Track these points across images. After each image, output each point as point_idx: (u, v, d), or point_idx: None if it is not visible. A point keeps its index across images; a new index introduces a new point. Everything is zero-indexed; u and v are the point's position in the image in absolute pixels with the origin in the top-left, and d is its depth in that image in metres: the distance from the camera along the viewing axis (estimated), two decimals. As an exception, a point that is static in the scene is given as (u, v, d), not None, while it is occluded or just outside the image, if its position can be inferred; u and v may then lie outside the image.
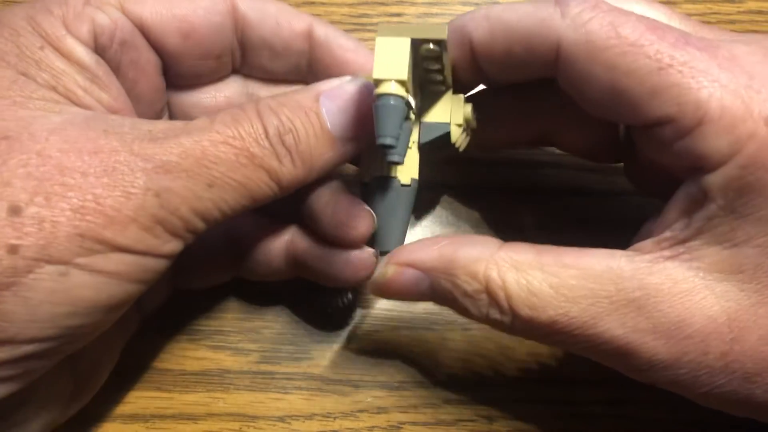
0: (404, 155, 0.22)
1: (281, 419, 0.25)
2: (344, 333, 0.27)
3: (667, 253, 0.19)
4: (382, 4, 0.32)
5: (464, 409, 0.26)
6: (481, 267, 0.20)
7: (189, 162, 0.19)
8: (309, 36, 0.23)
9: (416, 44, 0.20)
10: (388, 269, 0.21)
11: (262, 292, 0.27)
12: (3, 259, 0.17)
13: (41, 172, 0.17)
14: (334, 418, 0.25)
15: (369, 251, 0.23)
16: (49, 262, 0.17)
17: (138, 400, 0.25)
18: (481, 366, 0.26)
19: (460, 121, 0.23)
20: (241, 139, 0.19)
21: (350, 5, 0.32)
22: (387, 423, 0.25)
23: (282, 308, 0.27)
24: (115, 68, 0.22)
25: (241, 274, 0.25)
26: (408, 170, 0.23)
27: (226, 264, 0.25)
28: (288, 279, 0.25)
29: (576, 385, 0.26)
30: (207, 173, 0.19)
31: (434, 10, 0.32)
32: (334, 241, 0.23)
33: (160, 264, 0.19)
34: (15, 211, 0.17)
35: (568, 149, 0.25)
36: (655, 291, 0.18)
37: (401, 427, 0.25)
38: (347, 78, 0.21)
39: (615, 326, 0.19)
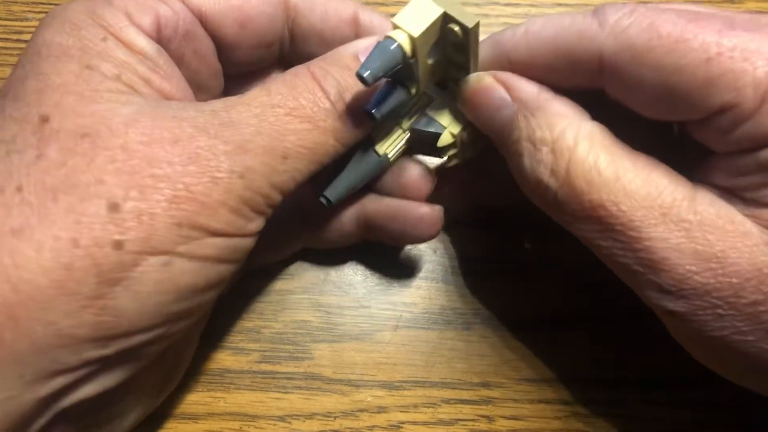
0: (379, 109, 0.21)
1: (282, 419, 0.25)
2: (345, 333, 0.27)
3: (735, 199, 0.19)
4: (383, 4, 0.32)
5: (464, 408, 0.26)
6: (563, 122, 0.20)
7: (263, 138, 0.19)
8: (355, 22, 0.24)
9: (446, 20, 0.20)
10: (485, 78, 0.21)
11: (263, 291, 0.27)
12: (110, 255, 0.17)
13: (130, 166, 0.17)
14: (335, 418, 0.25)
15: (438, 208, 0.24)
16: (153, 253, 0.17)
17: (139, 399, 0.26)
18: (481, 366, 0.26)
19: (456, 131, 0.23)
20: (302, 107, 0.20)
21: (350, 6, 0.32)
22: (387, 422, 0.25)
23: (282, 308, 0.27)
24: (178, 59, 0.22)
25: (310, 244, 0.26)
26: (385, 144, 0.23)
27: (297, 234, 0.26)
28: (352, 245, 0.26)
29: (576, 385, 0.26)
30: (280, 146, 0.19)
31: (434, 10, 0.32)
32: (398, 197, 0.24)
33: (247, 242, 0.20)
34: (114, 207, 0.17)
35: None
36: (711, 221, 0.18)
37: (401, 427, 0.25)
38: (376, 37, 0.22)
39: (658, 236, 0.18)
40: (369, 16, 0.24)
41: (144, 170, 0.18)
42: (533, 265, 0.28)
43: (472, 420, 0.26)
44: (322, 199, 0.23)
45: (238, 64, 0.24)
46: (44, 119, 0.18)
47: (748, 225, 0.18)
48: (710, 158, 0.19)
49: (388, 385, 0.26)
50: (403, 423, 0.25)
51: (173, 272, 0.18)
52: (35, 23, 0.31)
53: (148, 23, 0.20)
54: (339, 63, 0.21)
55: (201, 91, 0.23)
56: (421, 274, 0.28)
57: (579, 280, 0.28)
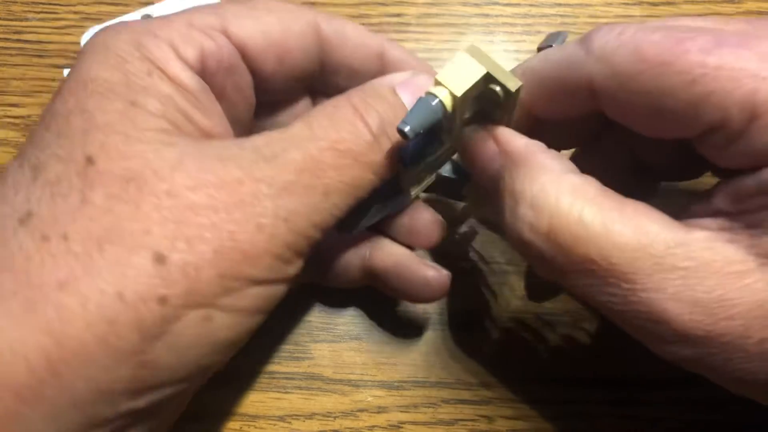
0: (415, 159, 0.21)
1: (282, 419, 0.25)
2: (345, 333, 0.27)
3: (726, 235, 0.18)
4: (382, 4, 0.32)
5: (464, 408, 0.26)
6: (545, 176, 0.19)
7: (305, 177, 0.19)
8: (382, 56, 0.24)
9: (488, 80, 0.20)
10: (478, 132, 0.21)
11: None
12: (154, 310, 0.16)
13: (176, 214, 0.17)
14: (335, 418, 0.25)
15: (445, 274, 0.24)
16: (195, 307, 0.17)
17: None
18: (481, 366, 0.26)
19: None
20: (345, 140, 0.19)
21: (350, 6, 0.32)
22: (387, 422, 0.25)
23: (283, 308, 0.27)
24: (218, 93, 0.21)
25: (314, 279, 0.26)
26: (412, 183, 0.23)
27: (309, 271, 0.25)
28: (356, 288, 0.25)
29: (576, 385, 0.26)
30: (321, 183, 0.19)
31: (433, 10, 0.32)
32: (405, 244, 0.24)
33: (285, 288, 0.19)
34: (160, 259, 0.17)
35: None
36: (705, 265, 0.18)
37: (401, 427, 0.25)
38: (411, 71, 0.22)
39: (654, 287, 0.18)
40: (395, 52, 0.24)
41: (190, 219, 0.17)
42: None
43: (472, 420, 0.26)
44: (343, 228, 0.22)
45: (271, 95, 0.24)
46: (89, 161, 0.18)
47: (748, 262, 0.18)
48: (717, 184, 0.19)
49: (388, 385, 0.26)
50: (403, 423, 0.25)
51: (213, 327, 0.18)
52: (35, 23, 0.31)
53: (193, 57, 0.20)
54: (379, 96, 0.20)
55: (234, 122, 0.23)
56: (421, 274, 0.28)
57: (579, 280, 0.28)
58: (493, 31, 0.31)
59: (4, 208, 0.18)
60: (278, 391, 0.26)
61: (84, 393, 0.16)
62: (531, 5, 0.32)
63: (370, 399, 0.26)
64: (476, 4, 0.32)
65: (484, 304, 0.27)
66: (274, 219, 0.18)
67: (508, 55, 0.31)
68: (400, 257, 0.24)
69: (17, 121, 0.30)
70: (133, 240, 0.17)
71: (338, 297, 0.27)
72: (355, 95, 0.20)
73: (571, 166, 0.20)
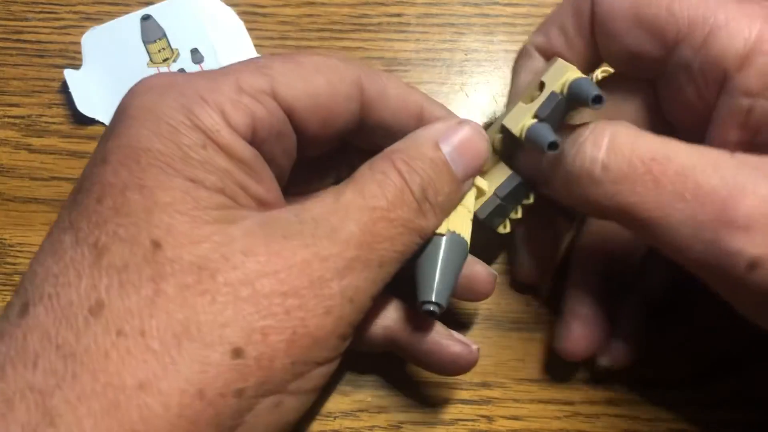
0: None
1: (281, 419, 0.25)
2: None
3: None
4: (383, 4, 0.32)
5: (464, 408, 0.26)
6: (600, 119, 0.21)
7: (364, 251, 0.19)
8: (421, 116, 0.23)
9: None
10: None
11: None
12: (231, 404, 0.17)
13: (251, 304, 0.17)
14: (335, 418, 0.25)
15: (475, 350, 0.23)
16: (267, 395, 0.17)
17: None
18: (481, 366, 0.26)
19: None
20: (394, 208, 0.19)
21: (350, 6, 0.32)
22: (387, 422, 0.25)
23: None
24: (269, 159, 0.21)
25: None
26: (453, 224, 0.22)
27: None
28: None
29: (576, 385, 0.26)
30: (377, 255, 0.19)
31: (434, 10, 0.32)
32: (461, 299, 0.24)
33: (337, 363, 0.20)
34: (237, 353, 0.17)
35: None
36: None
37: (401, 427, 0.25)
38: (452, 121, 0.22)
39: (718, 179, 0.18)
40: (435, 111, 0.24)
41: (264, 308, 0.17)
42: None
43: (472, 420, 0.26)
44: (431, 307, 0.20)
45: (310, 151, 0.23)
46: (156, 245, 0.17)
47: None
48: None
49: (388, 385, 0.26)
50: (403, 423, 0.25)
51: (283, 410, 0.18)
52: (35, 23, 0.31)
53: (245, 125, 0.19)
54: (421, 156, 0.21)
55: (278, 180, 0.22)
56: (421, 274, 0.28)
57: (579, 280, 0.28)
58: (493, 31, 0.31)
59: (71, 294, 0.17)
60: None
61: None
62: (531, 5, 0.32)
63: (370, 399, 0.26)
64: (476, 4, 0.32)
65: (484, 304, 0.27)
66: (341, 300, 0.18)
67: (507, 55, 0.31)
68: (428, 330, 0.23)
69: (17, 121, 0.30)
70: (211, 334, 0.17)
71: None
72: (398, 157, 0.20)
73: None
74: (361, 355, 0.26)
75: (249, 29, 0.30)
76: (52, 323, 0.16)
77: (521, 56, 0.25)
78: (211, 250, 0.17)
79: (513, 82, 0.26)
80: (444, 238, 0.21)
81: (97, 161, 0.19)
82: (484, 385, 0.26)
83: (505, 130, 0.24)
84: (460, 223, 0.22)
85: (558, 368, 0.26)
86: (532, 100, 0.23)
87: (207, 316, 0.17)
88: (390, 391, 0.26)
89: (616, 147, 0.19)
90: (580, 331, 0.24)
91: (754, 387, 0.26)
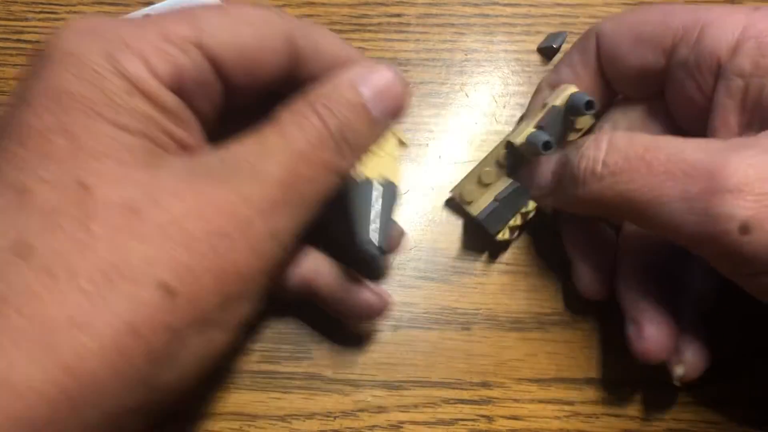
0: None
1: (282, 419, 0.25)
2: (345, 333, 0.27)
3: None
4: (383, 4, 0.32)
5: (464, 408, 0.26)
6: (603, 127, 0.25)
7: (288, 192, 0.19)
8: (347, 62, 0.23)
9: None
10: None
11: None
12: (162, 339, 0.17)
13: (179, 243, 0.17)
14: (335, 418, 0.25)
15: (385, 297, 0.24)
16: (198, 331, 0.18)
17: (139, 399, 0.26)
18: (481, 366, 0.26)
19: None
20: (314, 150, 0.20)
21: (350, 6, 0.32)
22: (387, 422, 0.25)
23: (282, 308, 0.27)
24: (195, 109, 0.21)
25: None
26: (383, 170, 0.23)
27: None
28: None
29: (576, 385, 0.26)
30: (300, 196, 0.20)
31: (434, 10, 0.32)
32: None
33: (263, 299, 0.20)
34: (168, 291, 0.17)
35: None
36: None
37: (401, 427, 0.25)
38: (371, 65, 0.22)
39: (722, 157, 0.19)
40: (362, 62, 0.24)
41: (193, 247, 0.18)
42: (533, 265, 0.28)
43: (472, 420, 0.26)
44: (372, 249, 0.22)
45: (237, 101, 0.23)
46: (84, 187, 0.17)
47: None
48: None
49: (389, 385, 0.26)
50: (403, 423, 0.26)
51: (213, 345, 0.19)
52: (35, 23, 0.31)
53: (168, 74, 0.19)
54: (339, 98, 0.21)
55: (204, 128, 0.23)
56: (421, 274, 0.28)
57: (579, 280, 0.28)
58: (493, 31, 0.31)
59: None
60: (278, 391, 0.26)
61: (96, 420, 0.17)
62: (531, 5, 0.32)
63: (370, 399, 0.26)
64: (476, 4, 0.32)
65: (484, 304, 0.27)
66: (267, 239, 0.19)
67: (507, 55, 0.31)
68: (343, 279, 0.24)
69: (17, 121, 0.30)
70: (141, 273, 0.17)
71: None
72: (318, 101, 0.21)
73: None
74: (360, 356, 0.26)
75: (249, 29, 0.30)
76: None
77: (534, 92, 0.28)
78: (139, 191, 0.18)
79: (524, 114, 0.28)
80: (377, 182, 0.22)
81: (19, 104, 0.18)
82: (484, 385, 0.26)
83: (509, 145, 0.26)
84: (389, 168, 0.23)
85: (558, 368, 0.26)
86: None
87: (137, 256, 0.17)
88: (390, 391, 0.26)
89: (614, 146, 0.21)
90: (654, 330, 0.24)
91: (754, 387, 0.26)
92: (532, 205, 0.26)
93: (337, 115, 0.20)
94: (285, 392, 0.26)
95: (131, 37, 0.19)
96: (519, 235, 0.28)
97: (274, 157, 0.19)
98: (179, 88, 0.20)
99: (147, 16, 0.29)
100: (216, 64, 0.21)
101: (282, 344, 0.27)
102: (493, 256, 0.28)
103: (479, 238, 0.28)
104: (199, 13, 0.21)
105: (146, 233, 0.17)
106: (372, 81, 0.21)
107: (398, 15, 0.32)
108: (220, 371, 0.26)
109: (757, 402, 0.26)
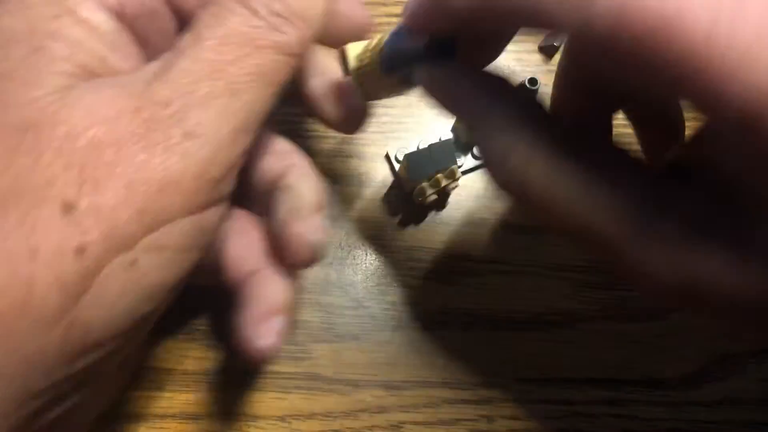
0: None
1: (282, 419, 0.25)
2: (345, 333, 0.27)
3: None
4: (383, 4, 0.32)
5: (464, 408, 0.26)
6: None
7: (204, 84, 0.17)
8: None
9: None
10: (442, 73, 0.20)
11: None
12: (72, 263, 0.15)
13: (78, 157, 0.16)
14: (335, 418, 0.25)
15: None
16: (116, 253, 0.16)
17: (139, 400, 0.26)
18: (481, 366, 0.26)
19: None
20: (235, 31, 0.18)
21: (350, 6, 0.32)
22: (387, 422, 0.25)
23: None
24: (142, 38, 0.20)
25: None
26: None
27: None
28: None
29: (576, 385, 0.26)
30: (223, 84, 0.17)
31: (434, 10, 0.32)
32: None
33: (215, 216, 0.18)
34: (68, 208, 0.15)
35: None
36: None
37: (401, 427, 0.25)
38: None
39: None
40: None
41: (94, 159, 0.16)
42: (533, 265, 0.28)
43: (472, 420, 0.26)
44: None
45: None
46: None
47: None
48: None
49: (389, 385, 0.26)
50: (403, 423, 0.26)
51: (139, 271, 0.16)
52: (35, 23, 0.31)
53: (112, 1, 0.18)
54: None
55: None
56: (421, 274, 0.28)
57: (580, 280, 0.28)
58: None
59: None
60: (278, 391, 0.26)
61: (9, 366, 0.15)
62: (531, 5, 0.32)
63: (370, 399, 0.26)
64: (476, 4, 0.32)
65: (484, 304, 0.27)
66: (181, 138, 0.16)
67: (507, 55, 0.31)
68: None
69: (17, 121, 0.30)
70: (37, 193, 0.15)
71: (338, 297, 0.27)
72: None
73: (538, 107, 0.18)
74: (360, 356, 0.26)
75: (249, 29, 0.30)
76: None
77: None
78: (39, 110, 0.16)
79: None
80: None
81: None
82: (484, 385, 0.26)
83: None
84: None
85: (558, 368, 0.26)
86: None
87: (32, 175, 0.16)
88: (390, 391, 0.26)
89: None
90: None
91: (754, 387, 0.26)
92: (459, 172, 0.26)
93: None
94: (285, 392, 0.26)
95: None
96: (436, 201, 0.28)
97: (185, 54, 0.17)
98: (124, 16, 0.19)
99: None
100: None
101: (282, 344, 0.27)
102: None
103: (479, 238, 0.28)
104: None
105: (42, 150, 0.16)
106: None
107: (398, 15, 0.32)
108: (220, 371, 0.26)
109: (757, 402, 0.26)
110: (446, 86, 0.20)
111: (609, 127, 0.21)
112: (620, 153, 0.18)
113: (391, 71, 0.21)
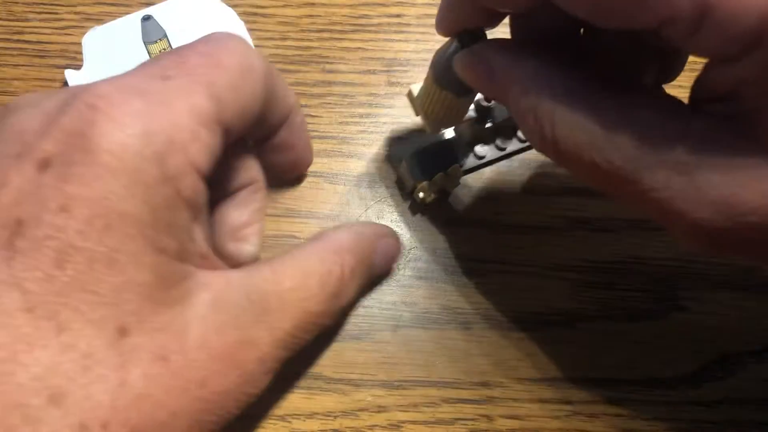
0: None
1: (282, 418, 0.25)
2: (345, 333, 0.27)
3: (729, 123, 0.16)
4: (382, 5, 0.32)
5: (464, 408, 0.26)
6: (538, 89, 0.19)
7: (289, 344, 0.21)
8: (289, 119, 0.24)
9: None
10: (465, 57, 0.21)
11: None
12: None
13: (198, 399, 0.18)
14: (335, 417, 0.25)
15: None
16: None
17: (139, 399, 0.26)
18: (481, 365, 0.26)
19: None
20: (327, 313, 0.22)
21: (350, 6, 0.32)
22: (387, 422, 0.25)
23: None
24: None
25: None
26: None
27: None
28: None
29: (576, 385, 0.26)
30: (295, 345, 0.21)
31: (433, 11, 0.31)
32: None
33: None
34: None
35: None
36: (708, 159, 0.16)
37: (401, 426, 0.25)
38: (387, 232, 0.27)
39: (661, 186, 0.17)
40: (297, 119, 0.25)
41: (203, 402, 0.18)
42: (533, 265, 0.28)
43: (472, 419, 0.26)
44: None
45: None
46: (123, 332, 0.16)
47: (755, 155, 0.16)
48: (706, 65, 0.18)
49: (389, 385, 0.26)
50: (403, 422, 0.26)
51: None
52: (36, 23, 0.31)
53: (206, 166, 0.18)
54: (366, 262, 0.24)
55: None
56: (421, 274, 0.28)
57: (580, 280, 0.28)
58: (492, 31, 0.31)
59: (22, 376, 0.15)
60: (278, 391, 0.26)
61: None
62: (531, 6, 0.32)
63: (370, 398, 0.26)
64: (476, 5, 0.32)
65: (484, 304, 0.27)
66: (262, 375, 0.20)
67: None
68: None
69: (18, 121, 0.30)
70: (161, 430, 0.17)
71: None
72: (347, 261, 0.22)
73: (558, 65, 0.19)
74: (360, 356, 0.26)
75: (249, 30, 0.31)
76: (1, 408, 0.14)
77: None
78: (170, 339, 0.17)
79: None
80: None
81: (49, 202, 0.16)
82: (484, 384, 0.26)
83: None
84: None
85: (558, 368, 0.26)
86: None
87: (162, 410, 0.17)
88: (390, 390, 0.26)
89: (561, 148, 0.19)
90: None
91: (754, 387, 0.26)
92: (460, 173, 0.27)
93: (359, 279, 0.23)
94: (285, 392, 0.26)
95: (171, 127, 0.17)
96: (437, 201, 0.28)
97: (289, 310, 0.20)
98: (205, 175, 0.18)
99: (147, 16, 0.30)
100: (226, 134, 0.19)
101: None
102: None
103: (479, 238, 0.28)
104: (206, 74, 0.18)
105: (173, 386, 0.17)
106: (388, 252, 0.26)
107: (398, 15, 0.32)
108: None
109: (757, 402, 0.26)
110: (475, 65, 0.21)
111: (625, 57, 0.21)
112: (639, 92, 0.18)
113: (441, 80, 0.23)
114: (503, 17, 0.22)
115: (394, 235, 0.27)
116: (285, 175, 0.28)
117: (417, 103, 0.25)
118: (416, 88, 0.25)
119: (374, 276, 0.26)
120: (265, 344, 0.19)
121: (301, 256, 0.22)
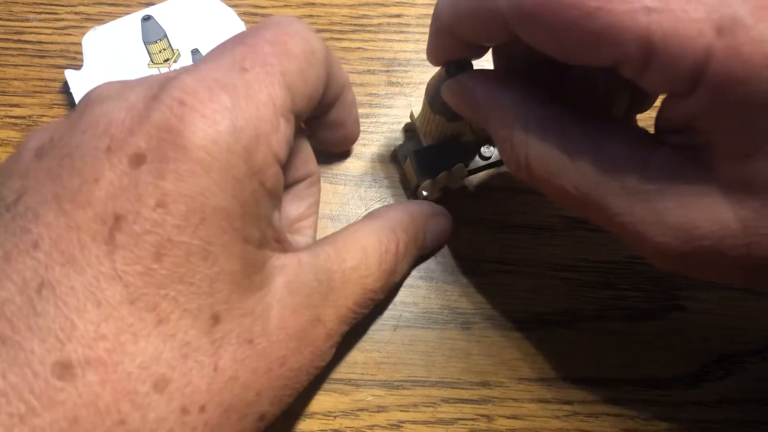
0: None
1: (282, 418, 0.25)
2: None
3: (688, 152, 0.17)
4: (382, 5, 0.32)
5: (464, 408, 0.26)
6: (513, 116, 0.20)
7: (348, 319, 0.22)
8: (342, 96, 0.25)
9: None
10: (451, 86, 0.23)
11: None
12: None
13: (279, 377, 0.19)
14: (335, 417, 0.26)
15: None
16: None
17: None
18: (481, 365, 0.26)
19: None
20: (382, 287, 0.23)
21: (350, 6, 0.32)
22: (387, 422, 0.25)
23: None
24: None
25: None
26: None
27: None
28: None
29: (576, 385, 0.26)
30: (353, 318, 0.22)
31: (434, 11, 0.32)
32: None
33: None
34: (262, 418, 0.19)
35: None
36: (668, 188, 0.17)
37: (401, 426, 0.25)
38: (437, 209, 0.27)
39: (625, 212, 0.18)
40: (349, 96, 0.25)
41: (283, 379, 0.19)
42: (533, 265, 0.28)
43: (472, 419, 0.26)
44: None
45: None
46: (216, 319, 0.17)
47: (709, 183, 0.17)
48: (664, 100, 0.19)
49: (388, 385, 0.26)
50: (403, 422, 0.26)
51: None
52: (36, 24, 0.31)
53: (285, 155, 0.19)
54: (418, 239, 0.25)
55: None
56: (421, 274, 0.28)
57: (579, 280, 0.28)
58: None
59: (129, 365, 0.16)
60: (278, 391, 0.26)
61: None
62: (531, 6, 0.32)
63: (370, 398, 0.26)
64: (476, 5, 0.32)
65: (484, 304, 0.27)
66: (328, 348, 0.21)
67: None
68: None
69: (18, 121, 0.30)
70: (249, 408, 0.18)
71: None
72: (402, 238, 0.24)
73: (536, 97, 0.20)
74: (360, 356, 0.26)
75: (249, 30, 0.31)
76: (109, 394, 0.15)
77: None
78: (254, 323, 0.18)
79: None
80: None
81: (147, 198, 0.16)
82: (484, 384, 0.26)
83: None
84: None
85: (558, 368, 0.26)
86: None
87: (249, 392, 0.18)
88: (390, 390, 0.26)
89: (534, 173, 0.20)
90: None
91: (754, 387, 0.26)
92: (464, 174, 0.28)
93: (410, 256, 0.24)
94: (285, 392, 0.26)
95: (256, 121, 0.18)
96: (440, 200, 0.28)
97: (351, 289, 0.21)
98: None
99: (147, 17, 0.30)
100: (297, 120, 0.20)
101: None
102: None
103: (479, 238, 0.28)
104: (277, 62, 0.19)
105: (258, 367, 0.18)
106: (436, 228, 0.26)
107: (398, 15, 0.32)
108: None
109: (757, 402, 0.26)
110: (460, 94, 0.22)
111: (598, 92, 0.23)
112: (607, 123, 0.20)
113: (433, 106, 0.25)
114: (486, 49, 0.23)
115: (446, 214, 0.27)
116: (333, 150, 0.29)
117: (417, 123, 0.27)
118: (417, 111, 0.27)
119: (424, 253, 0.27)
120: (330, 321, 0.21)
121: (360, 234, 0.23)
